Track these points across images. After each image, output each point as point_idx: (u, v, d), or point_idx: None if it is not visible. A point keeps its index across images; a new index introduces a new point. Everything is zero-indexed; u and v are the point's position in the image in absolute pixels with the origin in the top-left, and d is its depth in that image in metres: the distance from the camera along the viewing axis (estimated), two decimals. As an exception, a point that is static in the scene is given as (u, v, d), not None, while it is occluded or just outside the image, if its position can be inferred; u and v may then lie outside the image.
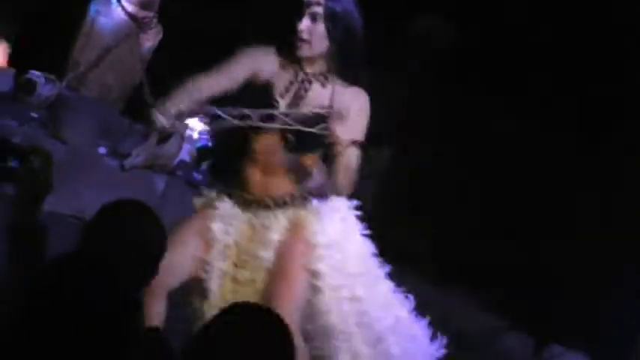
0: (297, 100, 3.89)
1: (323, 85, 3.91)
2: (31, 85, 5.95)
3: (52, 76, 6.13)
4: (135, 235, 2.88)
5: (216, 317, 2.37)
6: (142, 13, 6.53)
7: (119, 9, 6.46)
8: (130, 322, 2.28)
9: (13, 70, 6.07)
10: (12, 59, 6.22)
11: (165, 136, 6.33)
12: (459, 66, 6.67)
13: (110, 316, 2.21)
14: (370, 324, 3.89)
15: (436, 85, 6.71)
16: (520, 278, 6.24)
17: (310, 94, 3.90)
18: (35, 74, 6.02)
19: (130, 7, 6.47)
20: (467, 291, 6.36)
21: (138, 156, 6.14)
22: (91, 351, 2.18)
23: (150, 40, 6.63)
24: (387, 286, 3.97)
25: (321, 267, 3.78)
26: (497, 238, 6.43)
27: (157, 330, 2.97)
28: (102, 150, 6.06)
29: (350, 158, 3.75)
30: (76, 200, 5.56)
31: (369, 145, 3.87)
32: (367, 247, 3.94)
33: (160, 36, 6.68)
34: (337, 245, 3.82)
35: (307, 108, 3.81)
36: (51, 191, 2.78)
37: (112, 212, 2.94)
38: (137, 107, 6.45)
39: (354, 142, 3.75)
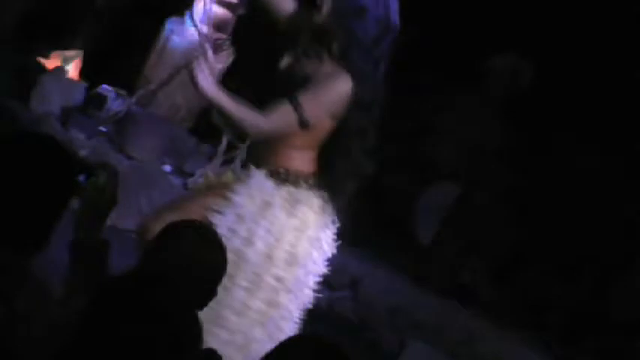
0: None
1: None
2: (101, 100, 6.01)
3: (123, 92, 6.19)
4: (197, 257, 2.88)
5: None
6: (215, 35, 6.57)
7: (193, 29, 6.51)
8: (189, 340, 2.28)
9: (84, 84, 6.14)
10: (84, 72, 6.28)
11: (229, 159, 6.38)
12: (536, 103, 6.62)
13: (169, 335, 2.22)
14: None
15: (512, 122, 6.66)
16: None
17: None
18: (106, 89, 6.08)
19: (204, 29, 6.51)
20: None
21: (202, 176, 6.19)
22: None
23: (221, 61, 6.66)
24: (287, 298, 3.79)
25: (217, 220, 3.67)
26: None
27: (214, 352, 2.95)
28: (167, 168, 6.09)
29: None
30: (137, 216, 5.59)
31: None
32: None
33: (232, 58, 6.72)
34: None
35: None
36: (115, 207, 2.78)
37: (176, 232, 2.94)
38: (204, 128, 6.49)
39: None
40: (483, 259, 6.66)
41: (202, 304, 2.87)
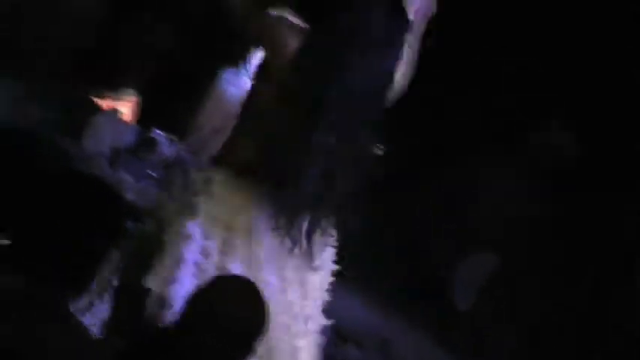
0: None
1: None
2: (152, 144, 6.01)
3: (174, 137, 6.19)
4: (237, 312, 2.84)
5: None
6: (269, 87, 6.57)
7: (248, 80, 6.51)
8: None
9: (136, 126, 6.15)
10: (137, 115, 6.31)
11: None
12: (579, 174, 6.58)
13: None
14: None
15: (555, 193, 6.62)
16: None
17: None
18: (158, 133, 6.08)
19: (258, 81, 6.52)
20: None
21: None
22: None
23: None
24: None
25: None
26: None
27: None
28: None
29: None
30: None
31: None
32: None
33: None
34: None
35: None
36: (161, 256, 2.76)
37: (219, 286, 2.91)
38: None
39: None
40: (520, 330, 6.60)
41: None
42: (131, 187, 5.58)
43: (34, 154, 2.84)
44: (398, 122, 3.85)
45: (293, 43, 3.74)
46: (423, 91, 3.86)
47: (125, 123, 6.12)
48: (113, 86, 6.36)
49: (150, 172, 5.90)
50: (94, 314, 2.77)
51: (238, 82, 6.55)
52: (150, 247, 2.72)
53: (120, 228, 2.64)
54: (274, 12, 3.82)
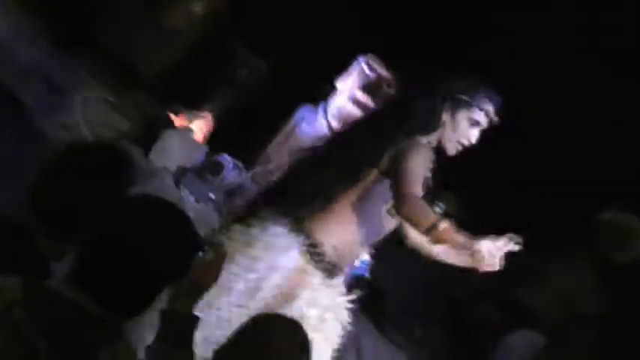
0: None
1: None
2: (218, 167, 6.04)
3: (241, 164, 6.22)
4: (282, 354, 2.83)
5: None
6: (343, 132, 6.59)
7: (324, 122, 6.53)
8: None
9: (206, 148, 6.20)
10: (209, 138, 6.35)
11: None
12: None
13: None
14: None
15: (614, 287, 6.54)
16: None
17: None
18: (225, 158, 6.12)
19: (334, 124, 6.53)
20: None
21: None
22: None
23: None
24: None
25: None
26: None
27: None
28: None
29: None
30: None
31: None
32: None
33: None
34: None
35: None
36: (213, 287, 2.75)
37: (263, 325, 2.90)
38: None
39: None
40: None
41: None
42: (191, 206, 5.62)
43: (113, 167, 2.85)
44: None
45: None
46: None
47: (195, 142, 6.16)
48: (190, 105, 6.42)
49: (211, 195, 5.93)
50: (139, 337, 2.77)
51: (313, 121, 6.58)
52: (206, 277, 2.70)
53: (188, 256, 2.63)
54: None
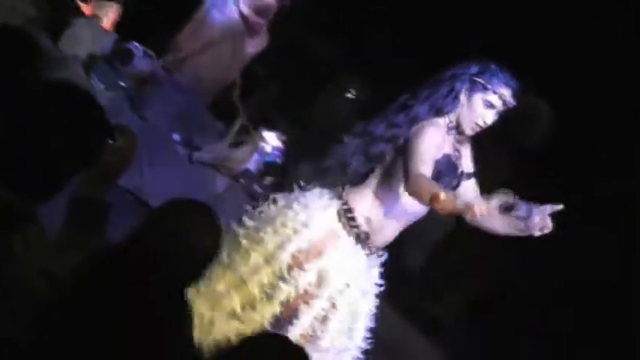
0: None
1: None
2: (128, 55, 6.01)
3: (152, 53, 6.20)
4: (192, 238, 2.85)
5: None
6: (254, 18, 6.58)
7: (234, 8, 6.52)
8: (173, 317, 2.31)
9: (115, 36, 6.14)
10: (118, 26, 6.28)
11: (239, 142, 6.39)
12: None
13: (155, 308, 2.24)
14: None
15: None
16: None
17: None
18: (135, 46, 6.08)
19: (245, 9, 6.53)
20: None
21: (208, 152, 6.19)
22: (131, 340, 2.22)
23: (254, 46, 6.68)
24: None
25: None
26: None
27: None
28: (176, 136, 6.10)
29: None
30: (137, 177, 5.60)
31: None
32: None
33: (265, 45, 6.73)
34: None
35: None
36: (125, 173, 2.77)
37: (175, 209, 2.92)
38: (222, 106, 6.50)
39: None
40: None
41: (187, 284, 2.85)
42: (102, 94, 5.59)
43: (20, 53, 2.81)
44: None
45: None
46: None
47: (104, 30, 6.10)
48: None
49: (121, 83, 5.91)
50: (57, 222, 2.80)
51: (223, 8, 6.56)
52: (117, 162, 2.72)
53: (98, 142, 2.64)
54: None
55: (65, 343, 2.40)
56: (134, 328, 2.28)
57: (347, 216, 4.07)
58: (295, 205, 4.07)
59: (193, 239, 2.86)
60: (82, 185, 2.75)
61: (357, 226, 4.06)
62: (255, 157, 6.44)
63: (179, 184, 5.68)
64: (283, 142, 6.52)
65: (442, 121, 4.05)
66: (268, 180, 6.56)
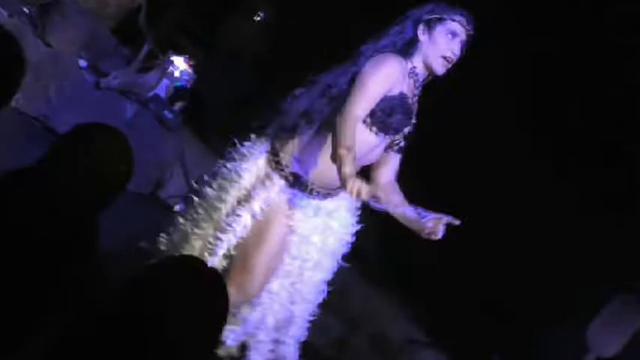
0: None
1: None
2: (30, -20, 5.87)
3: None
4: (102, 162, 2.84)
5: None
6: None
7: None
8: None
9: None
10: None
11: (147, 67, 6.32)
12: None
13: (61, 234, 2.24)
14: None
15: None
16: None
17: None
18: (36, -29, 5.95)
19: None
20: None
21: (116, 78, 6.12)
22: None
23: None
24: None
25: None
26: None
27: None
28: (82, 63, 6.01)
29: None
30: (44, 104, 5.53)
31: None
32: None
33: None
34: None
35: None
36: (17, 91, 2.75)
37: (84, 134, 2.89)
38: (128, 31, 6.41)
39: None
40: None
41: (100, 206, 2.83)
42: (5, 21, 5.47)
43: None
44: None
45: None
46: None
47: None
48: None
49: (25, 9, 5.79)
50: None
51: None
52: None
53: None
54: None
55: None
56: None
57: (275, 160, 4.07)
58: (234, 156, 4.11)
59: (104, 162, 2.85)
60: None
61: (282, 169, 4.07)
62: (165, 82, 6.39)
63: (88, 112, 5.62)
64: (192, 66, 6.48)
65: (402, 60, 3.96)
66: (178, 105, 6.53)
